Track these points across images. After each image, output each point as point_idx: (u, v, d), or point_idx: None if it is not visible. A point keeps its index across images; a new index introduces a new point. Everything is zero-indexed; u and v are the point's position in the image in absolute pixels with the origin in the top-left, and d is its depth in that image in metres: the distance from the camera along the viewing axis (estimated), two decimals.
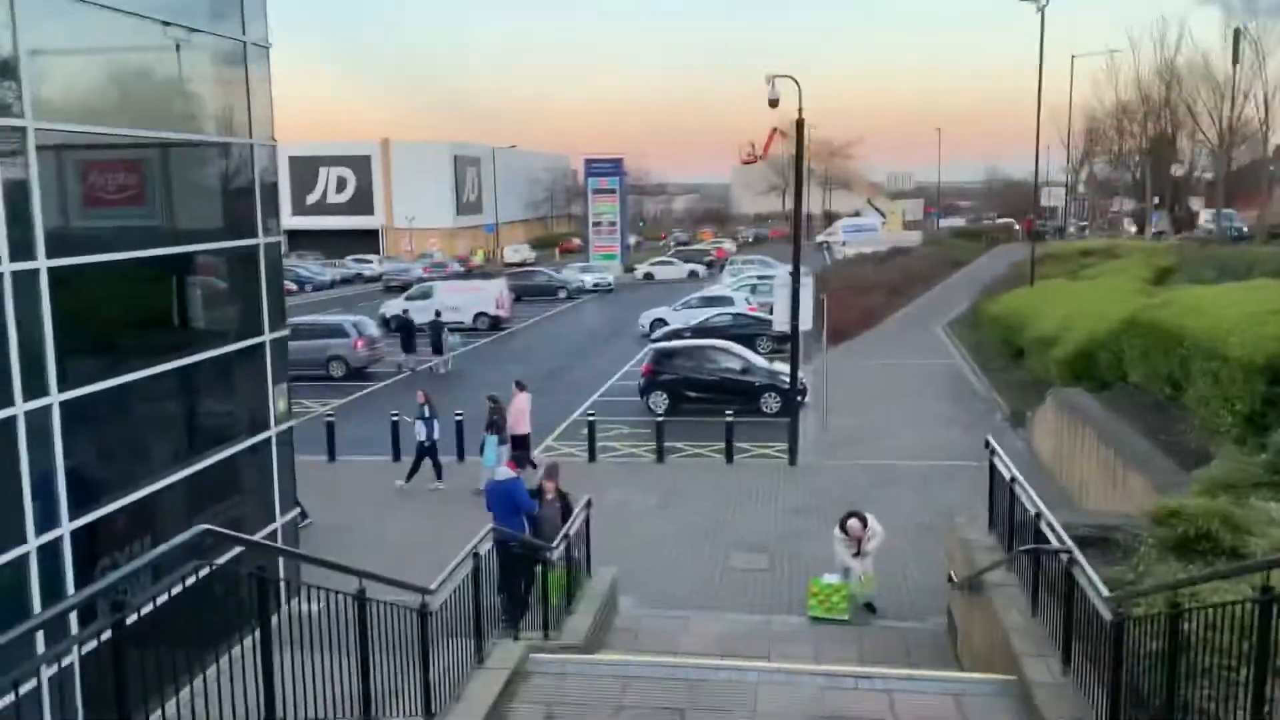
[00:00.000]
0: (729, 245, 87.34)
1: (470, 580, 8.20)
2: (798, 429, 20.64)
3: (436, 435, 19.23)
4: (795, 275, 19.73)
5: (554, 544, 11.08)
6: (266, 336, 12.31)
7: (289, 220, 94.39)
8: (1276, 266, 23.05)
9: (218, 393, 11.83)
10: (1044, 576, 8.68)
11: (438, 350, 32.87)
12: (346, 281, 69.29)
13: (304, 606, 6.52)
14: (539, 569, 11.04)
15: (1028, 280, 37.73)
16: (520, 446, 19.63)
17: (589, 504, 12.37)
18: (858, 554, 12.85)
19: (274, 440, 12.47)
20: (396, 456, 20.94)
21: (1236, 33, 68.66)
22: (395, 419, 21.19)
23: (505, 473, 12.27)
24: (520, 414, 19.63)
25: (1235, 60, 71.54)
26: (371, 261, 76.03)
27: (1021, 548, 8.37)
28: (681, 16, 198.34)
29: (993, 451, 10.75)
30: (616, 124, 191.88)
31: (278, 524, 12.58)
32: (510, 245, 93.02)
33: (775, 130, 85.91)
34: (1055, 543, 8.15)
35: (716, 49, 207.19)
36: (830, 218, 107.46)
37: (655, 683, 8.33)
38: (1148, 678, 6.68)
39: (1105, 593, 6.93)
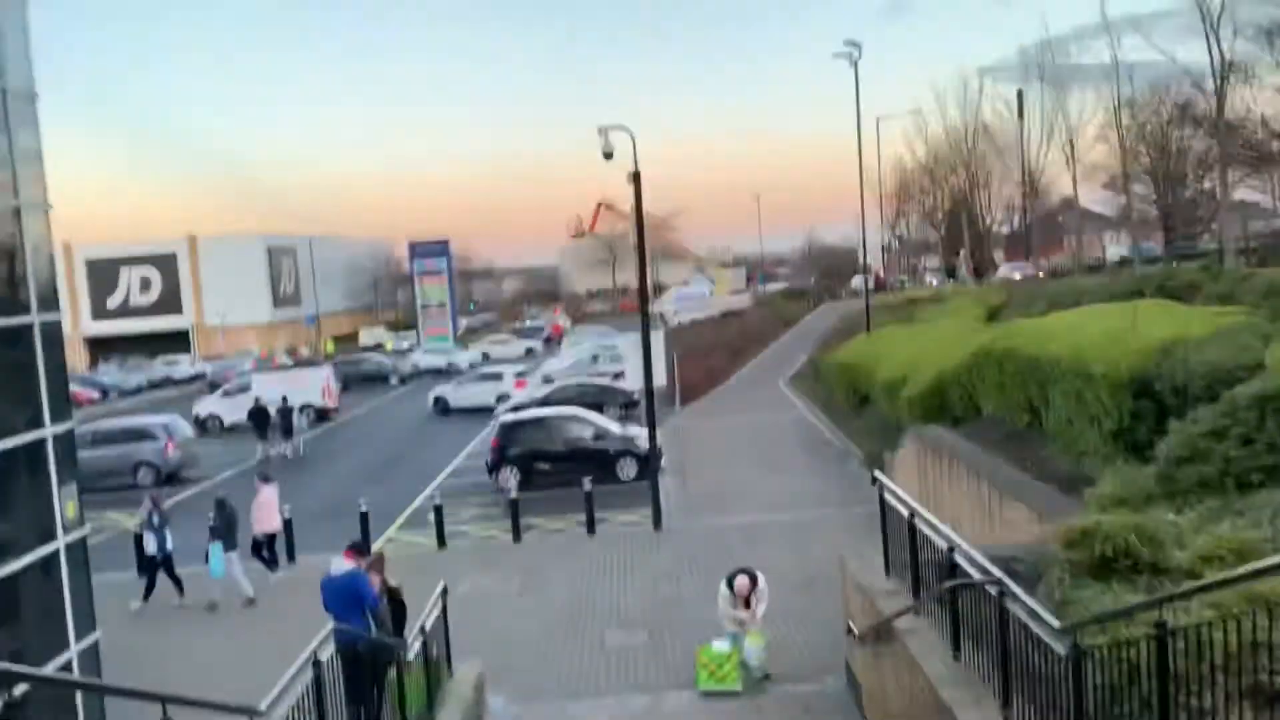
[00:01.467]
0: (564, 321, 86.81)
1: (311, 693, 6.73)
2: (659, 492, 19.66)
3: (170, 546, 17.03)
4: (645, 332, 18.94)
5: (408, 640, 9.61)
6: (48, 430, 10.41)
7: (89, 326, 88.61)
8: (1102, 295, 23.91)
9: None
10: (966, 616, 7.88)
11: (288, 434, 32.40)
12: (155, 386, 64.56)
13: None
14: (392, 673, 9.53)
15: (858, 332, 38.39)
16: (268, 547, 18.11)
17: (445, 592, 10.93)
18: (746, 609, 11.87)
19: (63, 552, 10.51)
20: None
21: (1019, 94, 74.28)
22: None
23: (343, 564, 10.64)
24: (266, 509, 18.01)
25: (1021, 116, 77.05)
26: (180, 362, 71.23)
27: (945, 584, 7.55)
28: (494, 94, 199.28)
29: (881, 487, 10.01)
30: (439, 210, 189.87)
31: (72, 652, 10.54)
32: (364, 328, 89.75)
33: (601, 204, 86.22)
34: (978, 575, 7.37)
35: (534, 129, 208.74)
36: (659, 289, 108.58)
37: None
38: (1106, 714, 5.91)
39: (1055, 623, 6.13)
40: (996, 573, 6.99)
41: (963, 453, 16.57)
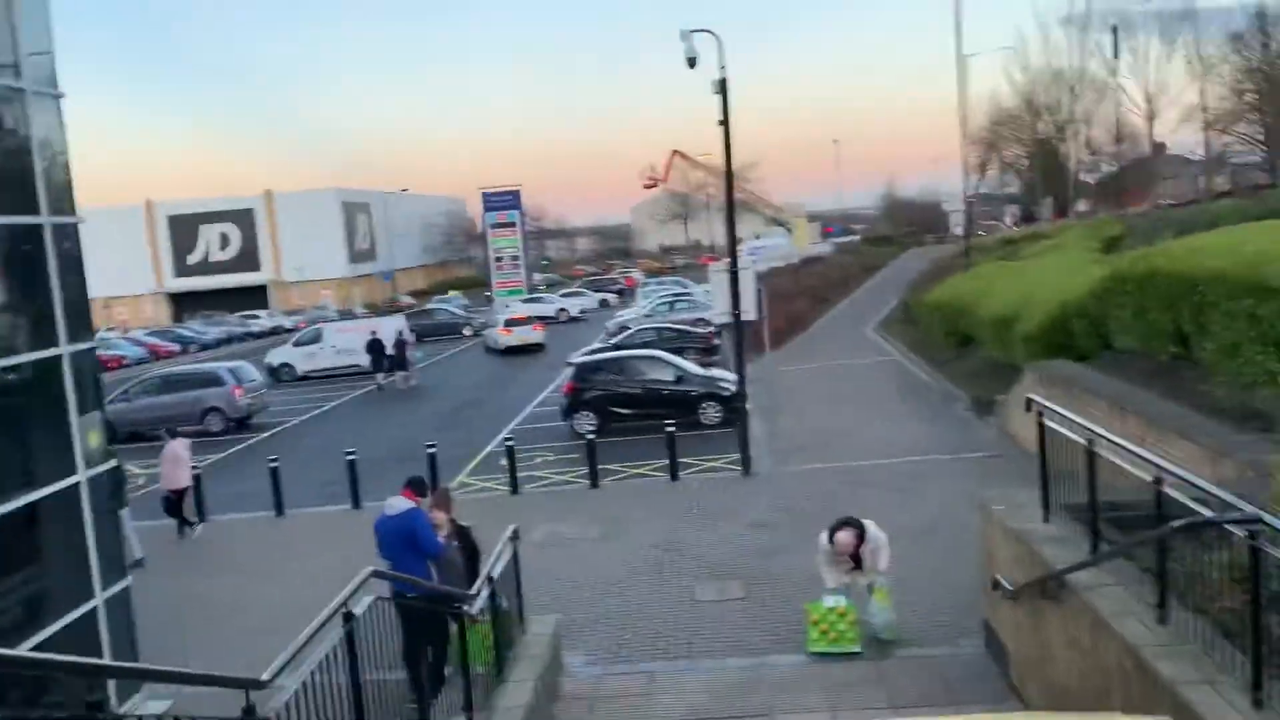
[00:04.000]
0: (637, 274, 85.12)
1: (343, 654, 5.25)
2: (748, 433, 17.99)
3: None
4: (733, 257, 17.16)
5: (473, 589, 8.14)
6: (64, 348, 9.14)
7: (172, 282, 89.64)
8: (1238, 218, 21.35)
9: None
10: (1178, 567, 6.10)
11: (401, 366, 34.61)
12: (234, 339, 64.63)
13: None
14: (456, 628, 8.09)
15: (950, 275, 36.06)
16: (177, 505, 16.76)
17: (516, 535, 9.43)
18: (856, 569, 10.14)
19: (84, 486, 9.27)
20: (279, 510, 17.62)
21: (1114, 30, 69.71)
22: (274, 465, 17.87)
23: (401, 503, 9.21)
24: (175, 465, 16.57)
25: (1115, 55, 72.56)
26: (260, 316, 71.38)
27: (1175, 524, 5.73)
28: (562, 51, 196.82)
29: (1041, 412, 8.20)
30: (512, 169, 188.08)
31: (98, 600, 9.35)
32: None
33: (675, 153, 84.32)
34: (1208, 512, 5.59)
35: (607, 88, 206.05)
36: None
37: None
38: None
39: None
40: (1248, 508, 5.18)
41: (1101, 389, 14.57)
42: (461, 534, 9.65)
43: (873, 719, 7.86)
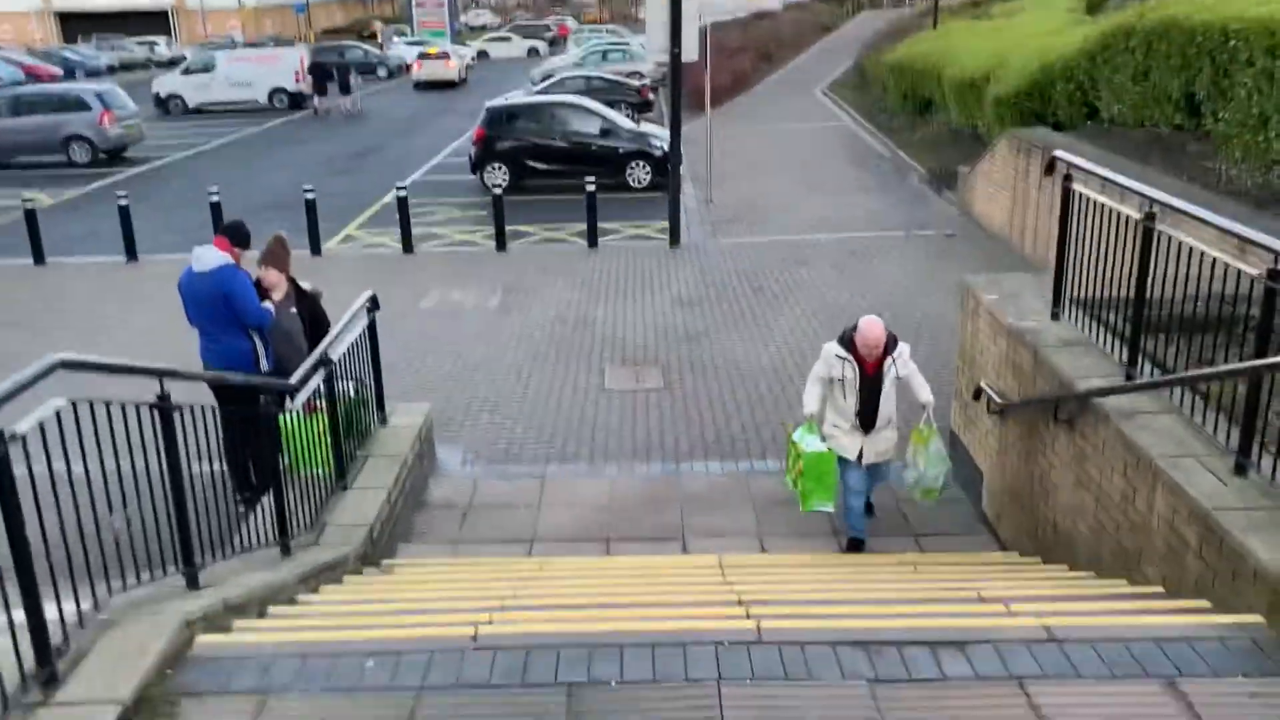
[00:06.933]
0: (571, 22, 79.33)
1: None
2: (679, 199, 15.77)
3: None
4: None
5: (294, 377, 6.06)
6: None
7: (62, 1, 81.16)
8: None
9: None
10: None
11: (345, 91, 34.68)
12: (130, 67, 58.91)
13: None
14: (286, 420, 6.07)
15: (909, 36, 33.01)
16: None
17: (374, 304, 7.25)
18: (870, 420, 6.53)
19: None
20: (131, 254, 15.15)
21: None
22: (124, 203, 15.18)
23: (212, 257, 6.94)
24: None
25: None
26: (159, 44, 65.02)
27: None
28: None
29: (1069, 174, 6.16)
30: None
31: None
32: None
33: None
34: None
35: None
36: None
37: (471, 696, 3.56)
38: None
39: None
40: None
41: (1094, 162, 12.56)
42: (304, 300, 7.46)
43: (816, 561, 6.19)
